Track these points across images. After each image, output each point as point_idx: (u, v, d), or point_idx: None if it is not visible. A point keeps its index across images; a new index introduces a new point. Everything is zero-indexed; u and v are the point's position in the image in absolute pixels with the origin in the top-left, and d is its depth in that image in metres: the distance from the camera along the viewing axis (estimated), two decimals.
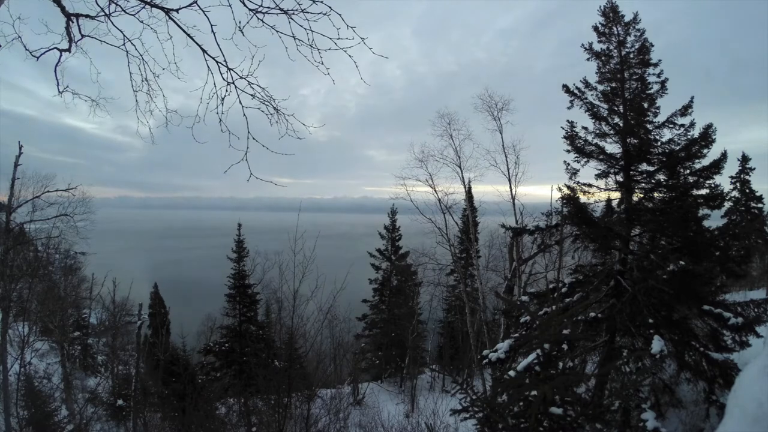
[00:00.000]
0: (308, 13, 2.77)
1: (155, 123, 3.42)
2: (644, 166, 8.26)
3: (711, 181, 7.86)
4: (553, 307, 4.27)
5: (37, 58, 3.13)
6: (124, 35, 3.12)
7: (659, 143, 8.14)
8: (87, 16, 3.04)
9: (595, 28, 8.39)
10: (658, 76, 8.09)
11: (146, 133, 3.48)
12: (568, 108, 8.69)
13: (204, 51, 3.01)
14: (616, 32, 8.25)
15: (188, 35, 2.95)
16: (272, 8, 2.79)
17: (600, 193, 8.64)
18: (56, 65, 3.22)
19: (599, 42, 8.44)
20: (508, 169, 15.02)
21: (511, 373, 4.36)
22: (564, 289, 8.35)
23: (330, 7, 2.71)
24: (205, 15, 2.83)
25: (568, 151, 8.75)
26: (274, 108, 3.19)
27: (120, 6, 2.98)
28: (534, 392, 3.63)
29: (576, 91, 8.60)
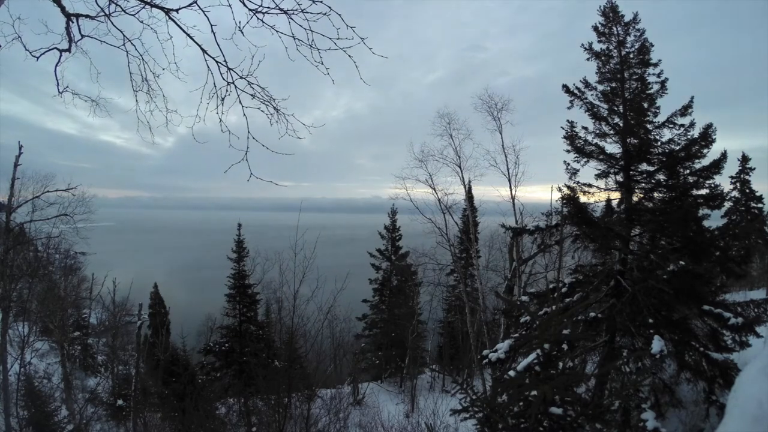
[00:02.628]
0: (308, 13, 2.77)
1: (155, 123, 3.42)
2: (644, 166, 8.24)
3: (711, 181, 7.84)
4: (553, 307, 4.27)
5: (37, 58, 3.12)
6: (124, 35, 3.13)
7: (659, 143, 8.13)
8: (87, 16, 3.04)
9: (595, 28, 8.37)
10: (658, 76, 8.07)
11: (148, 133, 3.47)
12: (568, 108, 8.68)
13: (204, 51, 3.01)
14: (615, 32, 8.24)
15: (188, 35, 2.95)
16: (272, 8, 2.80)
17: (600, 193, 8.63)
18: (56, 65, 3.22)
19: (599, 42, 8.43)
20: (508, 169, 15.05)
21: (511, 373, 4.36)
22: (564, 289, 8.34)
23: (330, 7, 2.72)
24: (205, 15, 2.83)
25: (568, 151, 8.74)
26: (275, 108, 3.20)
27: (120, 6, 2.99)
28: (534, 392, 3.62)
29: (576, 91, 8.59)
